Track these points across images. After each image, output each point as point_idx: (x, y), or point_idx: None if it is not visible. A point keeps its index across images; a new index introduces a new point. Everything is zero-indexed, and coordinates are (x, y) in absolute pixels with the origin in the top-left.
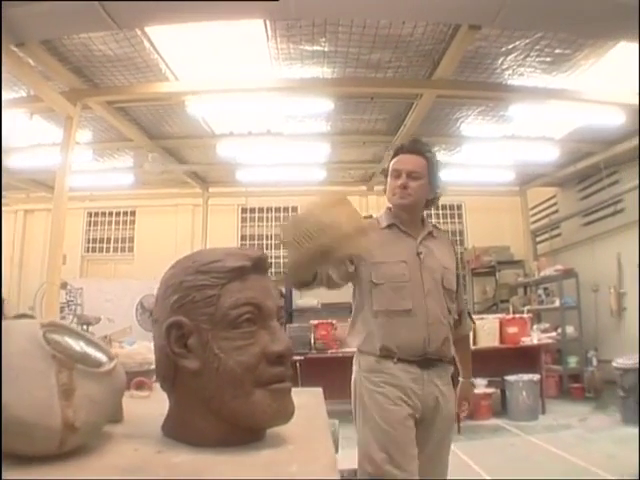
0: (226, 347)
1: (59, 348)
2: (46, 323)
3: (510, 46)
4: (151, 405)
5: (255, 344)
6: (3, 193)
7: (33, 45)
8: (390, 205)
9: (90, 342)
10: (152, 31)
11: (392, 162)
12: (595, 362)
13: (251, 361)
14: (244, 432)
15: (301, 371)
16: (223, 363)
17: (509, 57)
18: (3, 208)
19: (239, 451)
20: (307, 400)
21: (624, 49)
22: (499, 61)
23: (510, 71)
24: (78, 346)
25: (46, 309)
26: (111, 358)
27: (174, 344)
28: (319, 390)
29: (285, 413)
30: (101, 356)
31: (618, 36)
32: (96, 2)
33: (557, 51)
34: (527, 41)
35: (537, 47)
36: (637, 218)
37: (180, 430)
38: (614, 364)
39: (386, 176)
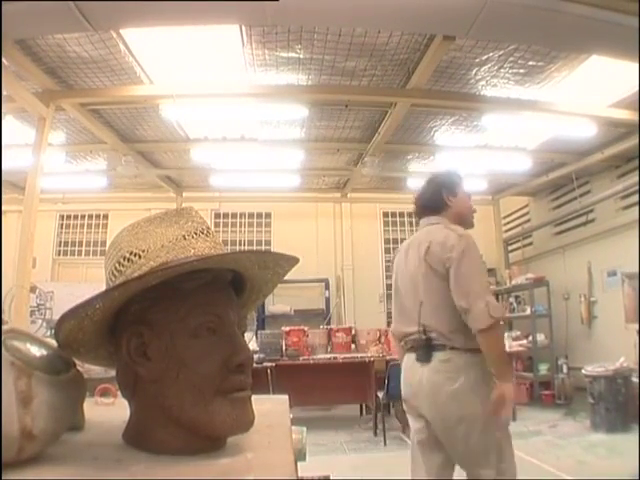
0: (186, 356)
1: (18, 355)
2: (7, 329)
3: (484, 57)
4: (115, 412)
5: (215, 353)
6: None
7: (7, 44)
8: (451, 220)
9: (51, 349)
10: (127, 34)
11: (461, 187)
12: (565, 369)
13: (211, 370)
14: (204, 440)
15: (272, 378)
16: (183, 372)
17: (483, 68)
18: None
19: (198, 459)
20: (272, 407)
21: (596, 62)
22: (473, 72)
23: (484, 82)
24: (39, 353)
25: (15, 313)
26: (72, 365)
27: (133, 352)
28: (285, 397)
29: (245, 422)
30: (61, 363)
31: (590, 49)
32: (71, 2)
33: (530, 63)
34: (501, 53)
35: (511, 59)
36: (607, 228)
37: (140, 438)
38: (584, 371)
39: (452, 194)
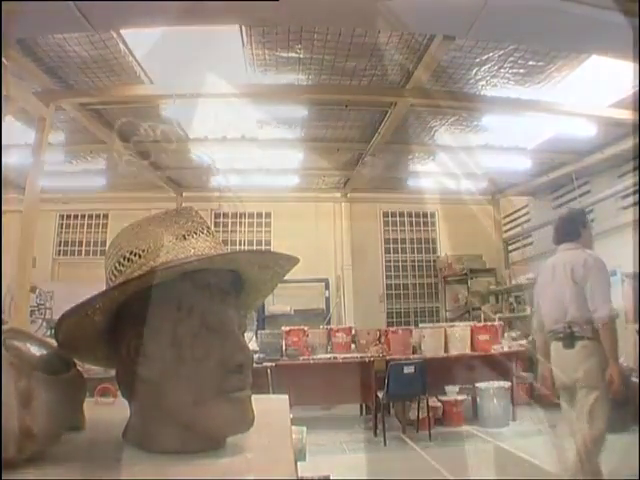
0: (186, 356)
1: (18, 355)
2: (7, 329)
3: (484, 57)
4: (115, 412)
5: (215, 353)
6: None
7: (7, 44)
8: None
9: (51, 349)
10: (127, 34)
11: (588, 221)
12: None
13: (211, 370)
14: (204, 440)
15: (272, 377)
16: (183, 372)
17: (483, 68)
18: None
19: (198, 459)
20: (272, 407)
21: (596, 62)
22: (473, 71)
23: (484, 82)
24: (39, 353)
25: (15, 313)
26: (72, 365)
27: (133, 352)
28: (285, 397)
29: (245, 421)
30: (61, 363)
31: (590, 49)
32: (71, 2)
33: (530, 63)
34: (501, 52)
35: (511, 59)
36: (607, 228)
37: (140, 438)
38: None
39: (584, 227)
